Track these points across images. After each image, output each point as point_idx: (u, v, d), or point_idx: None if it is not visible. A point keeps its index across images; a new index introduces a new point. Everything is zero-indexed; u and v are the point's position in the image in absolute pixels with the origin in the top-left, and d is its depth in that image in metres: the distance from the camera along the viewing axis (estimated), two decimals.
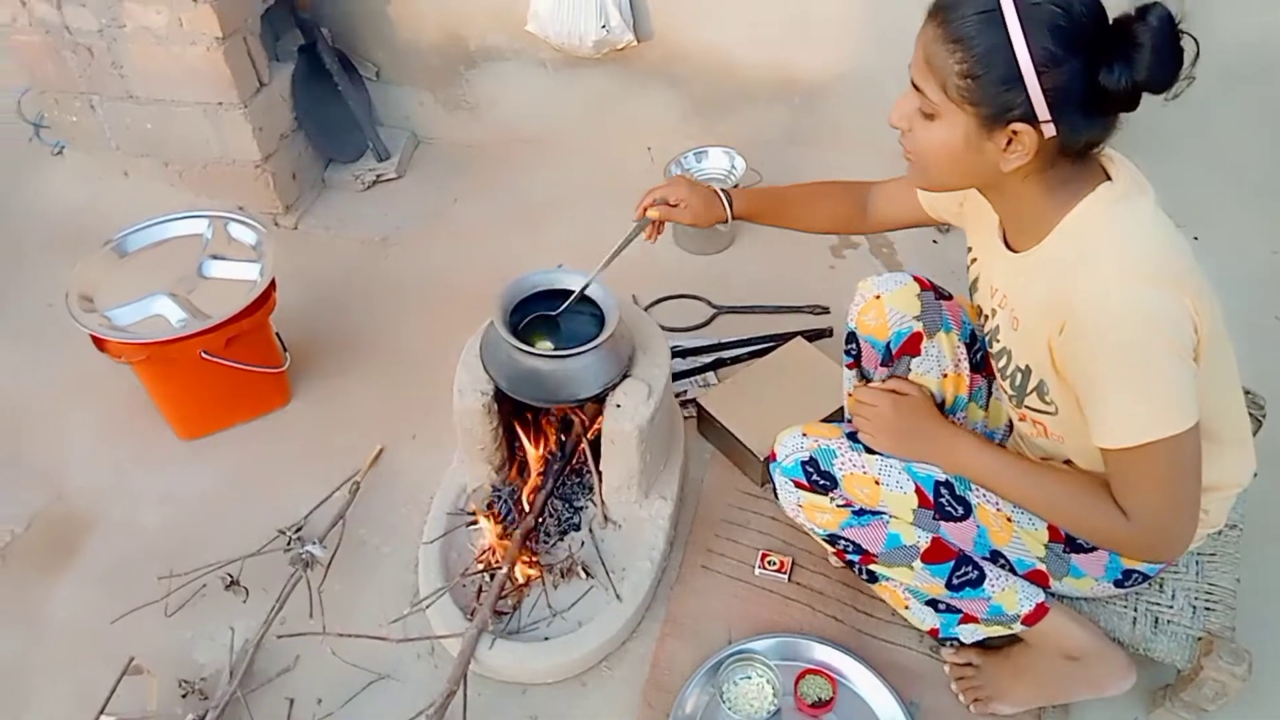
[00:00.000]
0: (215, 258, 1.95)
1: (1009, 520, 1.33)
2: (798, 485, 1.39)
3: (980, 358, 1.43)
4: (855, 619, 1.66)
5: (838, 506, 1.37)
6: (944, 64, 1.02)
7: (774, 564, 1.73)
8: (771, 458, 1.44)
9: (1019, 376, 1.22)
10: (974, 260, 1.35)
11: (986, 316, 1.31)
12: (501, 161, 2.78)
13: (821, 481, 1.36)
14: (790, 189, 1.59)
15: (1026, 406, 1.24)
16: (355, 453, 1.99)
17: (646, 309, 2.26)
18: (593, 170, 2.69)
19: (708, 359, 2.13)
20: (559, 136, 2.75)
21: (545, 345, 1.63)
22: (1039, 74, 0.98)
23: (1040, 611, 1.37)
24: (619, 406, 1.61)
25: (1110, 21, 1.00)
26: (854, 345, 1.43)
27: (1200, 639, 1.41)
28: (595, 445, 1.77)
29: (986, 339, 1.33)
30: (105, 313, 1.82)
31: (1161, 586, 1.47)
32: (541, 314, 1.64)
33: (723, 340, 2.16)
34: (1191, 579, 1.49)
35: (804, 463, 1.37)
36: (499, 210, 2.62)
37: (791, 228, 1.60)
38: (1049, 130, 1.01)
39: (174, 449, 2.03)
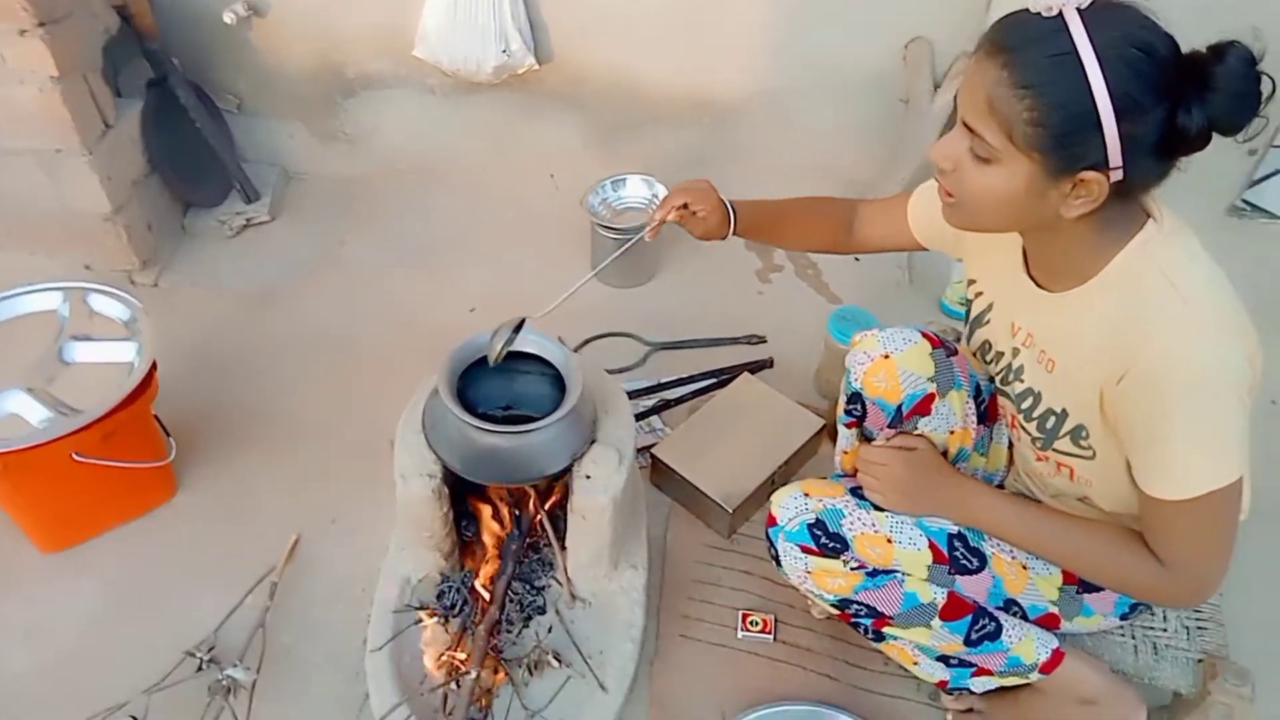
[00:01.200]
0: (78, 338, 1.65)
1: (1024, 568, 1.28)
2: (805, 550, 1.28)
3: (983, 409, 1.37)
4: (850, 674, 1.57)
5: (851, 569, 1.27)
6: (1010, 109, 0.93)
7: (757, 624, 1.62)
8: (770, 522, 1.33)
9: (1051, 420, 1.16)
10: (980, 294, 1.28)
11: (999, 354, 1.25)
12: (389, 196, 2.54)
13: (831, 544, 1.27)
14: (783, 205, 1.50)
15: (1055, 449, 1.18)
16: (264, 546, 1.73)
17: (576, 350, 2.11)
18: (492, 202, 2.50)
19: (649, 401, 1.99)
20: (453, 167, 2.55)
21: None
22: (1118, 121, 0.90)
23: (1057, 658, 1.32)
24: (589, 478, 1.45)
25: (1184, 58, 0.93)
26: (858, 406, 1.32)
27: (1200, 661, 1.41)
28: (551, 515, 1.61)
29: (998, 377, 1.26)
30: None
31: (1153, 611, 1.45)
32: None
33: (663, 380, 2.03)
34: None
35: (810, 525, 1.28)
36: (393, 251, 2.39)
37: (780, 245, 1.51)
38: (1117, 175, 0.94)
39: (35, 566, 1.70)
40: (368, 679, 1.49)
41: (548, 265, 2.33)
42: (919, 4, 2.18)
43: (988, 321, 1.27)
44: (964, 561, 1.26)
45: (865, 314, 1.92)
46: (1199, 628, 1.45)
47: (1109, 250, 1.04)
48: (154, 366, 1.64)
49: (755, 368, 2.04)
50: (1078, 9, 0.92)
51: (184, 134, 2.31)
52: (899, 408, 1.27)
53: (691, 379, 2.03)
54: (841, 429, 1.41)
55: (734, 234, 1.45)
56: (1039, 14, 0.93)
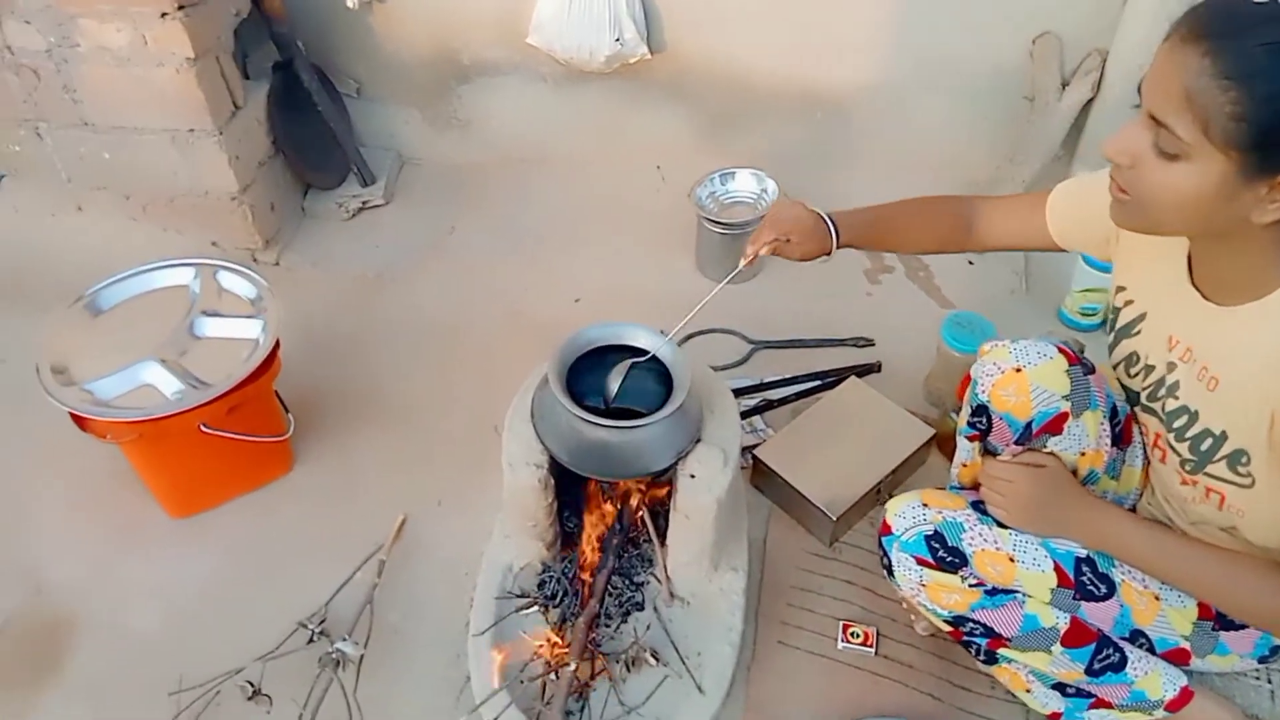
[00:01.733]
0: (208, 314, 1.71)
1: (1156, 598, 1.22)
2: (920, 562, 1.25)
3: (1119, 430, 1.30)
4: (953, 695, 1.52)
5: (969, 586, 1.23)
6: (1210, 101, 0.87)
7: (858, 636, 1.59)
8: (885, 531, 1.29)
9: (1207, 441, 1.09)
10: (1129, 303, 1.21)
11: (1148, 368, 1.18)
12: (498, 184, 2.57)
13: (949, 559, 1.23)
14: (888, 209, 1.45)
15: (1207, 474, 1.11)
16: (373, 523, 1.78)
17: (680, 345, 2.09)
18: (599, 192, 2.50)
19: (752, 400, 1.97)
20: (561, 156, 2.56)
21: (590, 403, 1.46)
22: None
23: (1185, 697, 1.25)
24: (694, 477, 1.44)
25: None
26: (983, 419, 1.27)
27: None
28: (653, 512, 1.60)
29: (1144, 393, 1.20)
30: (85, 385, 1.57)
31: None
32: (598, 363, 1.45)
33: (766, 380, 2.00)
34: None
35: (928, 537, 1.24)
36: (501, 239, 2.42)
37: (893, 251, 1.46)
38: None
39: (164, 530, 1.79)
40: (469, 662, 1.52)
41: (653, 258, 2.33)
42: None
43: (1138, 332, 1.20)
44: (1091, 587, 1.21)
45: (982, 320, 1.86)
46: None
47: None
48: (278, 344, 1.70)
49: (862, 371, 1.99)
50: None
51: (307, 117, 2.38)
52: (1029, 425, 1.21)
53: (796, 379, 2.00)
54: (962, 441, 1.35)
55: (838, 249, 1.40)
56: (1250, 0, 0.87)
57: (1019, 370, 1.20)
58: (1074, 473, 1.27)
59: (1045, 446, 1.24)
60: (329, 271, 2.34)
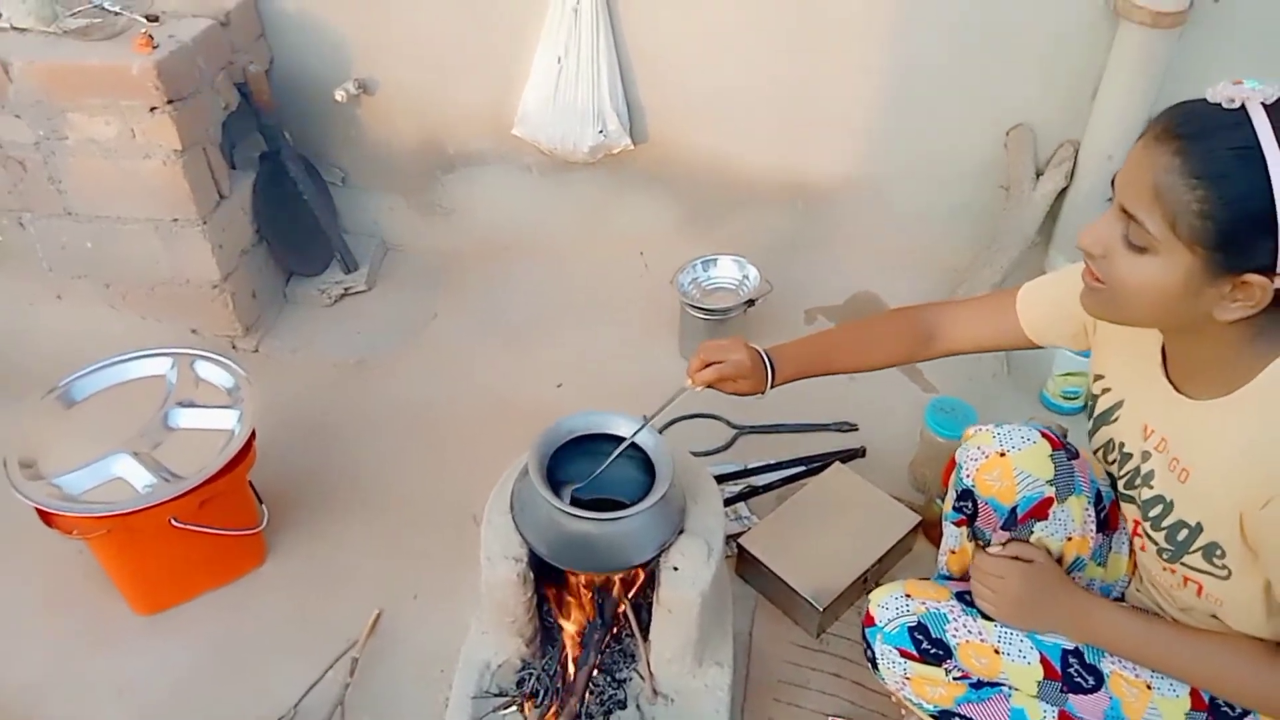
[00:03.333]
0: (183, 404, 1.69)
1: (1148, 687, 1.18)
2: (904, 655, 1.22)
3: (1104, 516, 1.29)
4: None
5: (953, 679, 1.21)
6: (1178, 199, 0.88)
7: None
8: (869, 622, 1.27)
9: (1183, 532, 1.08)
10: (1107, 390, 1.20)
11: (1126, 455, 1.17)
12: (482, 271, 2.58)
13: (933, 650, 1.20)
14: (835, 333, 1.51)
15: (1184, 564, 1.10)
16: (347, 618, 1.73)
17: (660, 431, 2.08)
18: (582, 279, 2.52)
19: (736, 486, 1.95)
20: (545, 244, 2.58)
21: (566, 492, 1.44)
22: None
23: None
24: (676, 570, 1.40)
25: None
26: (969, 504, 1.26)
27: None
28: (635, 605, 1.56)
29: (1122, 480, 1.19)
30: (54, 480, 1.54)
31: None
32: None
33: (750, 465, 1.99)
34: None
35: (911, 629, 1.21)
36: (483, 326, 2.42)
37: (846, 373, 1.48)
38: None
39: (131, 627, 1.73)
40: None
41: (636, 344, 2.33)
42: (1021, 90, 2.15)
43: (1115, 419, 1.19)
44: (1079, 679, 1.17)
45: (964, 406, 1.86)
46: None
47: (1259, 361, 0.97)
48: (253, 435, 1.67)
49: (846, 456, 1.98)
50: (1263, 104, 0.87)
51: (291, 205, 2.41)
52: (1014, 510, 1.20)
53: (780, 465, 1.98)
54: (948, 527, 1.34)
55: (774, 386, 1.39)
56: (1219, 105, 0.88)
57: (1003, 455, 1.20)
58: (1060, 560, 1.26)
59: (1032, 533, 1.23)
60: (309, 358, 2.33)
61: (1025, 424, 1.24)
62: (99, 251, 2.20)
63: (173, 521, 1.56)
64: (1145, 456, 1.13)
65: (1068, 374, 2.07)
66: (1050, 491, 1.20)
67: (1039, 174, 2.17)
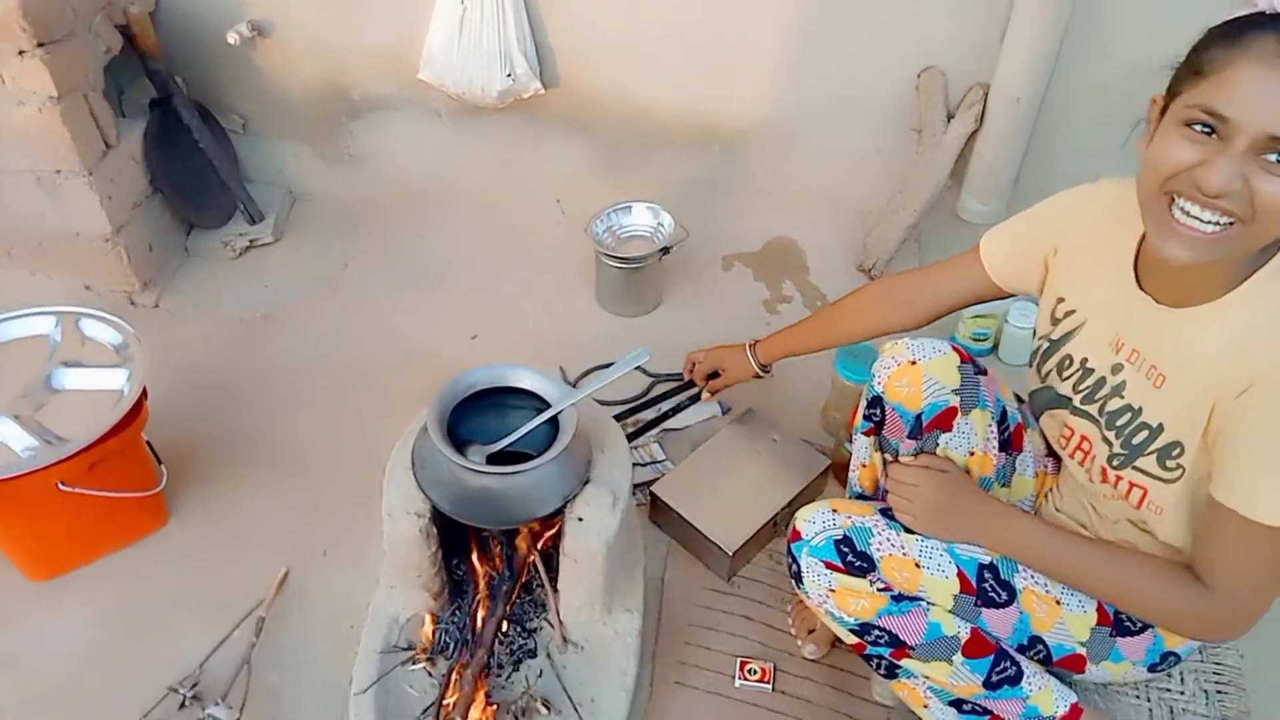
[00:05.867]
0: (67, 364, 1.62)
1: (1057, 603, 1.23)
2: (829, 567, 1.22)
3: (1007, 435, 1.33)
4: None
5: (877, 590, 1.21)
6: None
7: (755, 673, 1.57)
8: (795, 537, 1.27)
9: (1142, 435, 1.13)
10: (1070, 313, 1.24)
11: (1087, 371, 1.21)
12: (394, 219, 2.51)
13: (858, 563, 1.21)
14: (819, 317, 1.66)
15: (1135, 468, 1.15)
16: (254, 578, 1.70)
17: (575, 382, 2.07)
18: (498, 227, 2.47)
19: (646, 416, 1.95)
20: (458, 191, 2.52)
21: (477, 450, 1.42)
22: None
23: (1075, 713, 1.26)
24: (581, 520, 1.40)
25: None
26: (878, 410, 1.30)
27: None
28: (545, 555, 1.56)
29: (1079, 395, 1.22)
30: None
31: (1169, 672, 1.39)
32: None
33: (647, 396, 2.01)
34: (1197, 660, 1.43)
35: (837, 541, 1.22)
36: (396, 275, 2.36)
37: (833, 346, 1.68)
38: None
39: (24, 594, 1.67)
40: None
41: (553, 293, 2.30)
42: (932, 32, 2.14)
43: (1073, 338, 1.23)
44: (992, 594, 1.21)
45: (874, 351, 1.85)
46: (1219, 691, 1.39)
47: (1244, 270, 1.02)
48: (144, 395, 1.61)
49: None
50: None
51: (188, 154, 2.30)
52: (919, 417, 1.25)
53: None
54: (858, 438, 1.38)
55: (763, 365, 1.74)
56: None
57: (914, 363, 1.25)
58: None
59: (938, 444, 1.26)
60: (213, 313, 2.25)
61: (937, 337, 1.29)
62: None
63: (60, 485, 1.50)
64: (1116, 369, 1.17)
65: (978, 316, 2.10)
66: (955, 401, 1.24)
67: (950, 117, 2.17)
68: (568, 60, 2.27)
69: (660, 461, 1.91)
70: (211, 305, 2.27)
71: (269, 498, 1.85)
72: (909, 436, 1.28)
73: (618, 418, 1.91)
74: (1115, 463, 1.17)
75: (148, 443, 1.73)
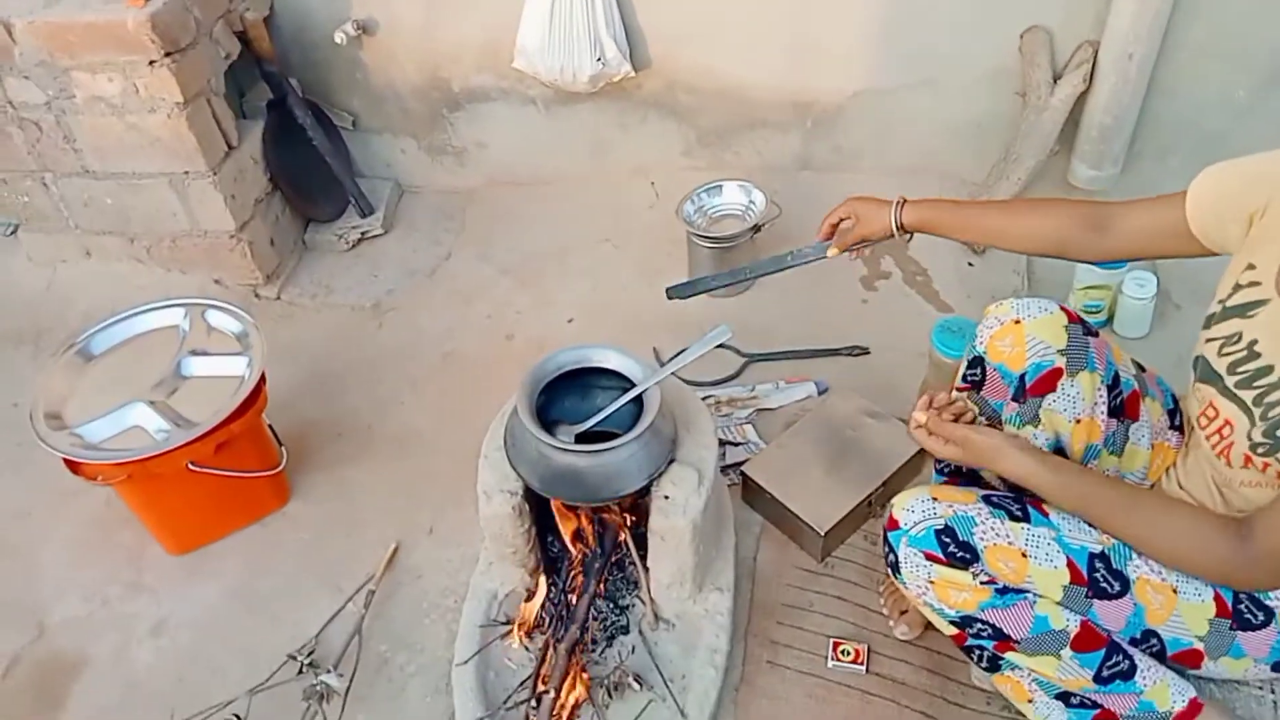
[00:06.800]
0: (195, 353, 1.75)
1: (1174, 591, 1.16)
2: (930, 558, 1.18)
3: (1119, 402, 1.27)
4: (947, 713, 1.48)
5: (980, 584, 1.17)
6: None
7: (848, 654, 1.55)
8: (892, 525, 1.22)
9: None
10: (1255, 284, 1.12)
11: (1254, 353, 1.11)
12: (494, 208, 2.59)
13: (960, 554, 1.16)
14: (989, 204, 1.51)
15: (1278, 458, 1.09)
16: (367, 553, 1.79)
17: (668, 361, 2.08)
18: (594, 212, 2.50)
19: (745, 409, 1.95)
20: (555, 178, 2.57)
21: (565, 430, 1.45)
22: None
23: (1194, 709, 1.20)
24: (668, 498, 1.42)
25: None
26: (978, 371, 1.26)
27: None
28: (637, 533, 1.59)
29: (1240, 375, 1.13)
30: (76, 429, 1.62)
31: None
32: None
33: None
34: None
35: (939, 531, 1.17)
36: (496, 264, 2.43)
37: (987, 241, 1.40)
38: None
39: (164, 567, 1.82)
40: (454, 692, 1.52)
41: (646, 275, 2.32)
42: None
43: (1253, 315, 1.12)
44: (1104, 584, 1.15)
45: (972, 325, 1.79)
46: None
47: None
48: (263, 379, 1.72)
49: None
50: None
51: (303, 152, 2.42)
52: (1022, 378, 1.20)
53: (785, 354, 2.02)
54: (955, 395, 1.32)
55: (904, 229, 1.43)
56: None
57: (1018, 322, 1.21)
58: (1066, 449, 1.26)
59: (1041, 407, 1.23)
60: (329, 303, 2.38)
61: (1044, 297, 1.24)
62: (119, 207, 2.26)
63: (190, 465, 1.63)
64: None
65: (1089, 287, 2.00)
66: (1060, 362, 1.19)
67: (1056, 78, 2.06)
68: (657, 42, 2.28)
69: (752, 442, 1.90)
70: (327, 296, 2.40)
71: (380, 478, 1.95)
72: (1012, 399, 1.23)
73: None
74: (1261, 450, 1.09)
75: (269, 425, 1.85)
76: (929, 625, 1.55)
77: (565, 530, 1.58)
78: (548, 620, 1.56)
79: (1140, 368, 1.35)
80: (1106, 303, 2.03)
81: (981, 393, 1.28)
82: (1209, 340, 1.18)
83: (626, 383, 1.48)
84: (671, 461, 1.45)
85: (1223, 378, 1.15)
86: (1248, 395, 1.11)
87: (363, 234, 2.52)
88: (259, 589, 1.78)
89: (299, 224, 2.52)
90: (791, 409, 1.97)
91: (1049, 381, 1.20)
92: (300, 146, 2.42)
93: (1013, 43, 2.10)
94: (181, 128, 2.06)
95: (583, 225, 2.47)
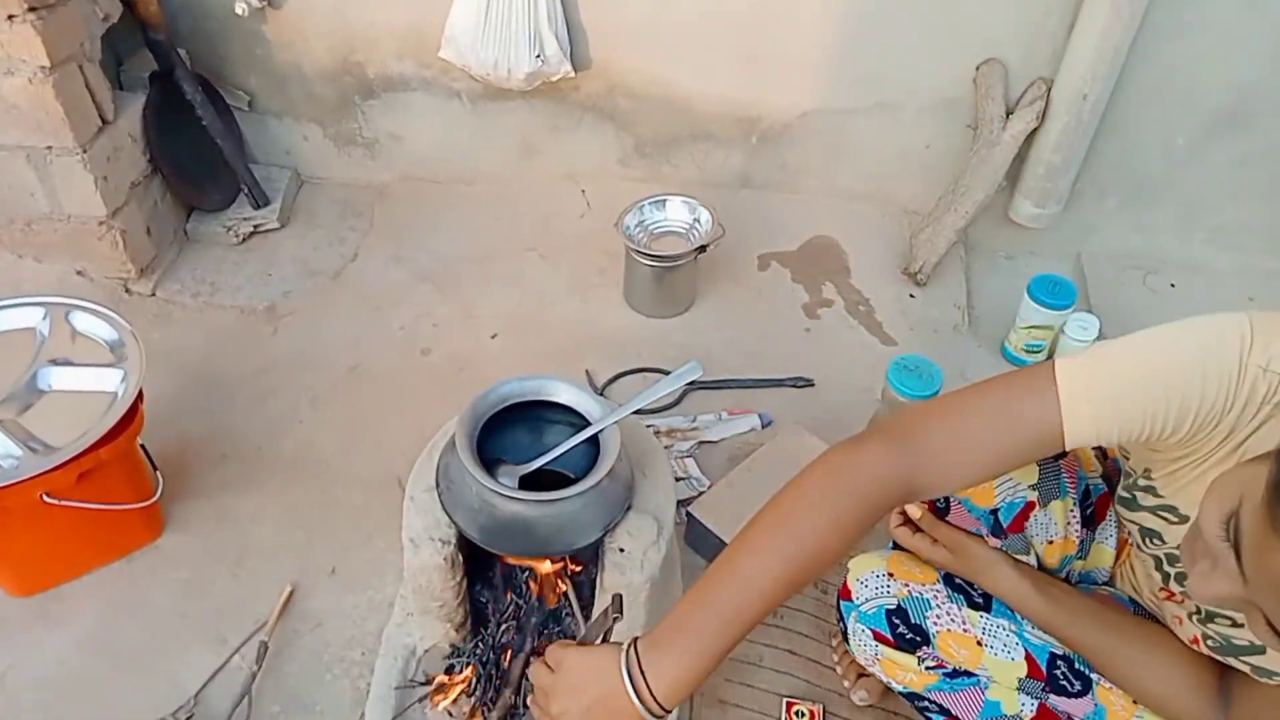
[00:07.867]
0: (55, 362, 1.47)
1: (1134, 701, 1.10)
2: (877, 637, 1.13)
3: (1090, 512, 1.18)
4: None
5: (926, 669, 1.12)
6: None
7: (803, 715, 1.44)
8: (845, 595, 1.17)
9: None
10: (1162, 500, 0.97)
11: (1172, 558, 1.01)
12: (408, 207, 2.37)
13: (909, 636, 1.11)
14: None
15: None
16: (256, 596, 1.57)
17: (603, 389, 1.93)
18: (520, 218, 2.32)
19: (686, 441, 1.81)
20: (477, 178, 2.37)
21: (507, 470, 1.28)
22: None
23: None
24: (623, 551, 1.26)
25: None
26: (942, 500, 1.14)
27: None
28: (577, 583, 1.43)
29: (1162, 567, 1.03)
30: None
31: None
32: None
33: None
34: None
35: (890, 611, 1.12)
36: (411, 268, 2.22)
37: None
38: None
39: (5, 611, 1.53)
40: None
41: (577, 290, 2.16)
42: (993, 24, 1.99)
43: (1167, 521, 0.98)
44: (1064, 683, 1.09)
45: (929, 364, 1.73)
46: None
47: None
48: (140, 398, 1.47)
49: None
50: None
51: (190, 132, 2.15)
52: (995, 516, 1.11)
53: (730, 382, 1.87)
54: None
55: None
56: None
57: None
58: (1040, 562, 1.16)
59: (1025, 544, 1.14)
60: (214, 303, 2.10)
61: None
62: None
63: (44, 498, 1.36)
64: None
65: (1032, 327, 1.97)
66: (1032, 496, 1.11)
67: (1009, 113, 2.03)
68: (600, 42, 2.12)
69: (694, 477, 1.77)
70: (211, 294, 2.13)
71: (272, 509, 1.71)
72: (991, 534, 1.13)
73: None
74: (1210, 645, 0.99)
75: (142, 447, 1.59)
76: (888, 689, 1.46)
77: (499, 580, 1.40)
78: (476, 682, 1.38)
79: (1103, 454, 1.25)
80: (1048, 343, 2.00)
81: (948, 519, 1.16)
82: (1123, 528, 1.14)
83: (577, 417, 1.32)
84: (628, 509, 1.30)
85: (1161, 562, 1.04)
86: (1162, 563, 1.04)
87: (255, 227, 2.26)
88: (124, 638, 1.51)
89: (181, 212, 2.23)
90: (734, 442, 1.85)
91: (1025, 515, 1.13)
92: (187, 126, 2.14)
93: (968, 74, 2.05)
94: (46, 95, 1.77)
95: (507, 231, 2.29)
